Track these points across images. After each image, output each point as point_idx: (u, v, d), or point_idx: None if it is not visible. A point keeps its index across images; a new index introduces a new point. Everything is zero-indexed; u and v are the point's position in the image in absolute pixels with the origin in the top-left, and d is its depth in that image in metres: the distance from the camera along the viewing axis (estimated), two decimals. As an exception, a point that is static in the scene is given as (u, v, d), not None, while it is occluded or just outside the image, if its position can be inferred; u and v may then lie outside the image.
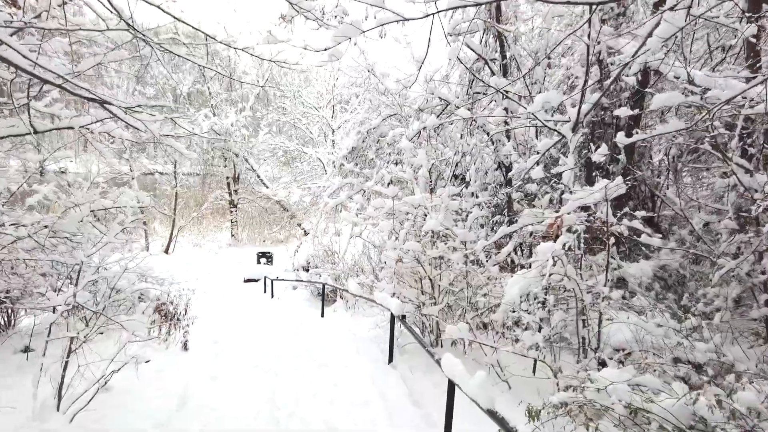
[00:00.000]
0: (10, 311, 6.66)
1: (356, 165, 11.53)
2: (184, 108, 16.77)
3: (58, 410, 3.21)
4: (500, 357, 4.35)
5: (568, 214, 3.91)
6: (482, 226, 7.53)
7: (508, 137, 6.84)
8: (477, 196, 6.85)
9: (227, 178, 19.48)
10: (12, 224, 5.42)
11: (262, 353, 5.48)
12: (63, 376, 3.24)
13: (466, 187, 7.11)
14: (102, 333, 5.86)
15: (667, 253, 5.69)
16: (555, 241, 3.72)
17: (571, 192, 4.21)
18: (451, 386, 2.93)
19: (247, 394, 4.11)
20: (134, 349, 5.06)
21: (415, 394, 4.07)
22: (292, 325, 7.25)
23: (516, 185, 6.88)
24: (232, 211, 19.99)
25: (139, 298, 7.72)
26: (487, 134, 7.13)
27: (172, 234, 17.31)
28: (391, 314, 4.78)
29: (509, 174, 7.06)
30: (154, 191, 19.13)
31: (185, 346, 5.90)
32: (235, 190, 19.61)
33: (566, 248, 3.70)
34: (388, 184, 7.42)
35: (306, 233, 20.83)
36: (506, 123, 6.39)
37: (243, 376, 4.56)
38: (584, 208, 4.36)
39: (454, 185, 7.42)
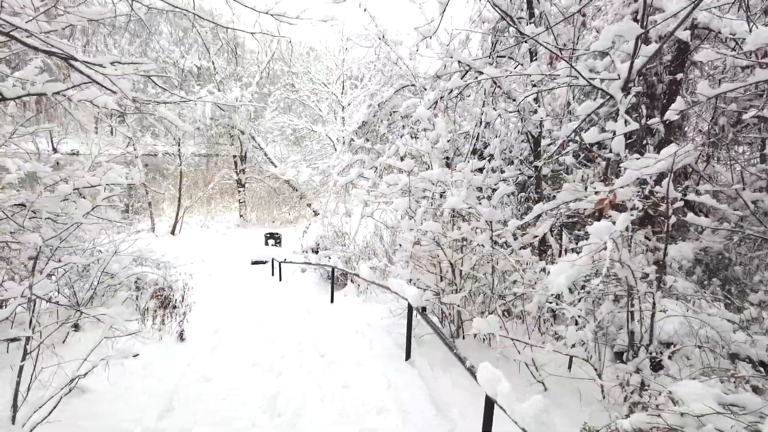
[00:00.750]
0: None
1: (367, 140, 10.85)
2: (189, 85, 16.15)
3: (13, 423, 2.69)
4: (534, 353, 3.77)
5: (624, 187, 3.25)
6: (505, 204, 6.87)
7: (537, 104, 6.12)
8: (502, 171, 6.17)
9: (234, 156, 18.90)
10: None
11: (265, 346, 4.95)
12: (18, 383, 2.72)
13: (489, 162, 6.43)
14: (76, 329, 5.38)
15: (708, 234, 5.01)
16: (600, 220, 3.10)
17: (620, 161, 3.55)
18: (489, 404, 2.33)
19: (245, 397, 3.58)
20: (122, 342, 4.57)
21: (438, 398, 3.50)
22: (299, 312, 6.73)
23: (545, 158, 6.19)
24: (239, 191, 19.48)
25: (135, 283, 7.25)
26: (514, 101, 6.41)
27: (177, 215, 16.88)
28: (408, 305, 4.19)
29: (538, 147, 6.37)
30: (161, 172, 18.70)
31: (181, 337, 5.41)
32: (243, 170, 19.05)
33: (628, 229, 3.06)
34: (402, 158, 6.77)
35: (316, 213, 20.31)
36: (534, 85, 5.67)
37: (241, 376, 4.04)
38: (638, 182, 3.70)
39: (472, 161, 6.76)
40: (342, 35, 22.58)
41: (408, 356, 4.23)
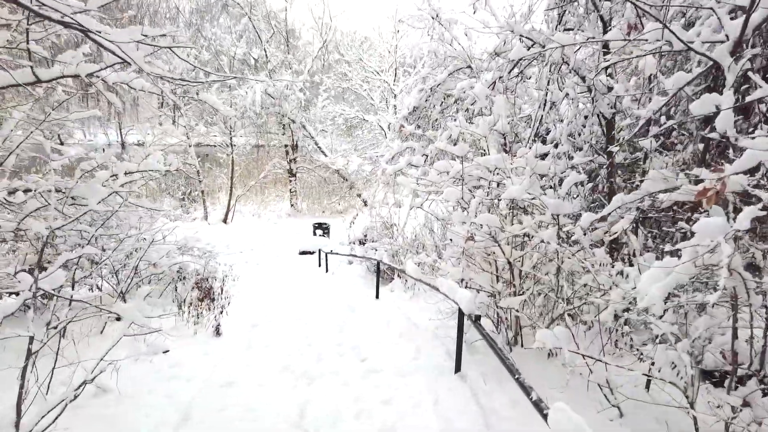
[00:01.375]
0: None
1: (418, 127, 10.33)
2: (241, 73, 16.25)
3: (17, 429, 2.46)
4: (609, 372, 3.16)
5: (738, 174, 2.58)
6: (571, 194, 6.17)
7: (613, 79, 5.37)
8: (570, 157, 5.47)
9: (285, 146, 18.94)
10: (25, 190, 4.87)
11: (301, 347, 4.62)
12: (22, 386, 2.48)
13: (555, 147, 5.74)
14: (119, 319, 5.24)
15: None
16: (693, 214, 2.45)
17: (729, 142, 2.86)
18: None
19: (271, 408, 3.22)
20: (154, 337, 4.37)
21: (494, 423, 2.98)
22: (342, 308, 6.38)
23: (622, 141, 5.43)
24: (290, 181, 19.52)
25: (178, 272, 7.17)
26: (583, 79, 5.67)
27: (229, 203, 17.11)
28: (459, 310, 3.68)
29: (611, 131, 5.60)
30: (217, 162, 19.04)
31: (217, 332, 5.18)
32: (294, 159, 19.05)
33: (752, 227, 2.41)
34: (455, 143, 6.22)
35: (366, 204, 20.04)
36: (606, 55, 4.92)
37: (270, 382, 3.68)
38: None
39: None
40: (395, 19, 22.02)
41: (458, 368, 3.74)
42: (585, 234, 4.41)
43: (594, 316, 4.28)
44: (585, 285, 4.07)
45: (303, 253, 12.41)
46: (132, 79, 5.08)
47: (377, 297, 7.11)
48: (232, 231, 15.82)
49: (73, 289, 6.22)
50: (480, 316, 3.30)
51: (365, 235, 10.92)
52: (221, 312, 5.73)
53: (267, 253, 12.80)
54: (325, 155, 19.10)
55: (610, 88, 5.35)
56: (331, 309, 6.35)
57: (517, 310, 4.31)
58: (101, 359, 3.03)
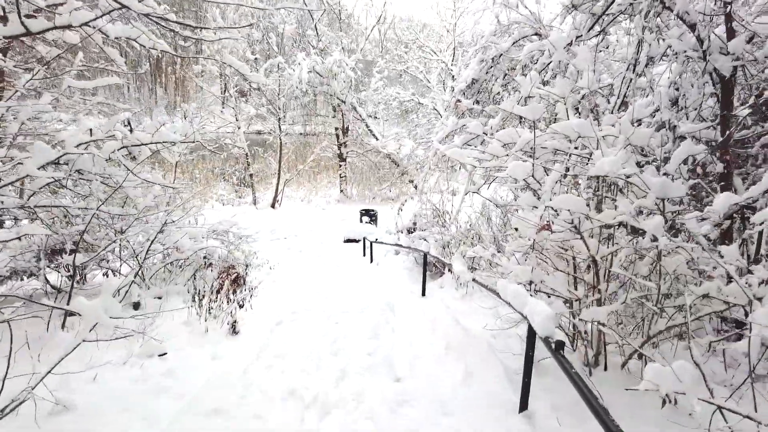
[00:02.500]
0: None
1: (477, 102, 9.23)
2: (290, 52, 15.71)
3: None
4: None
5: None
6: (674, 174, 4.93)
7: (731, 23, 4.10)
8: (673, 127, 4.27)
9: (336, 129, 18.28)
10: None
11: (323, 357, 3.82)
12: None
13: (652, 117, 4.55)
14: None
15: None
16: None
17: None
18: None
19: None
20: (155, 334, 3.71)
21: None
22: (381, 305, 5.53)
23: (748, 105, 4.16)
24: (340, 166, 18.88)
25: (205, 258, 6.59)
26: (692, 28, 4.40)
27: (277, 188, 16.72)
28: (530, 328, 2.69)
29: (730, 94, 4.32)
30: (270, 146, 18.71)
31: (234, 329, 4.48)
32: (344, 143, 18.36)
33: None
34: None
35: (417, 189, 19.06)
36: None
37: (269, 413, 2.84)
38: None
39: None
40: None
41: (524, 405, 2.76)
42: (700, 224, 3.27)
43: (717, 340, 3.17)
44: (705, 297, 2.98)
45: (348, 241, 11.70)
46: (138, 36, 4.41)
47: (423, 294, 6.20)
48: (278, 216, 15.42)
49: (81, 275, 5.79)
50: (563, 343, 2.31)
51: (414, 223, 9.99)
52: (241, 306, 5.04)
53: (311, 239, 12.20)
54: (377, 139, 18.26)
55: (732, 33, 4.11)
56: (369, 307, 5.51)
57: (602, 324, 3.27)
58: (49, 372, 2.33)
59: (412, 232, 9.93)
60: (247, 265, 7.04)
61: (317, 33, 16.79)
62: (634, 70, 5.17)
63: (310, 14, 16.64)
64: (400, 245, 7.72)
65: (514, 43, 8.88)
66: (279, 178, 16.72)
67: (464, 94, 9.49)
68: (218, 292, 4.95)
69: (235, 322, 4.51)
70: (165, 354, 3.61)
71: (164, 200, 6.50)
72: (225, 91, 15.95)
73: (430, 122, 24.25)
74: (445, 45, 24.03)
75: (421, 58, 24.05)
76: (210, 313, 4.63)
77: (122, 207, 5.83)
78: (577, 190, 3.86)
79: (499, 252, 6.28)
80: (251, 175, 16.82)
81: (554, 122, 4.44)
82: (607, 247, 3.47)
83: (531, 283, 3.40)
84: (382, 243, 9.02)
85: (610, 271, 3.47)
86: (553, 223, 3.01)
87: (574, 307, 3.57)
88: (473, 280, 3.96)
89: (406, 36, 24.81)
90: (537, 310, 2.42)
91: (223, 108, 14.63)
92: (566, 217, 3.22)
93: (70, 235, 4.99)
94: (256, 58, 15.92)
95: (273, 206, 16.80)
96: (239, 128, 16.09)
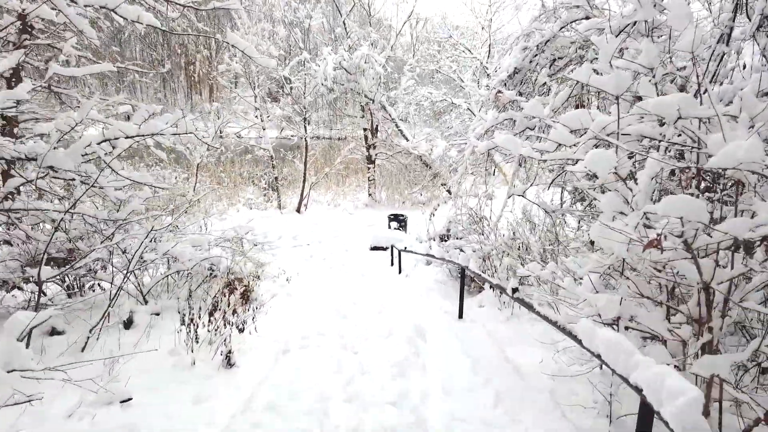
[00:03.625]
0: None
1: (520, 94, 8.25)
2: (316, 48, 15.03)
3: None
4: None
5: None
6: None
7: None
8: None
9: (364, 130, 17.49)
10: None
11: (334, 407, 2.94)
12: None
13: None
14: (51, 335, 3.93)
15: None
16: None
17: None
18: None
19: None
20: (123, 370, 2.94)
21: None
22: (408, 331, 4.64)
23: None
24: (369, 168, 18.08)
25: (210, 270, 5.86)
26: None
27: (303, 192, 16.05)
28: (643, 404, 1.74)
29: None
30: (297, 150, 18.11)
31: (228, 361, 3.68)
32: (373, 144, 17.55)
33: None
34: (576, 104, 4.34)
35: (450, 194, 18.07)
36: None
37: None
38: None
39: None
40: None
41: None
42: None
43: None
44: None
45: (375, 248, 10.85)
46: (117, 4, 3.70)
47: (460, 316, 5.27)
48: (303, 221, 14.75)
49: (78, 287, 5.13)
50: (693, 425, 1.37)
51: (448, 230, 9.05)
52: (241, 330, 4.25)
53: (336, 246, 11.41)
54: (407, 140, 17.37)
55: None
56: (395, 332, 4.62)
57: (720, 378, 2.30)
58: None
59: (445, 240, 9.01)
60: (258, 277, 6.28)
61: (346, 29, 16.11)
62: (727, 40, 4.17)
63: (338, 9, 16.00)
64: (433, 256, 6.82)
65: (562, 27, 7.88)
66: (304, 181, 16.06)
67: (505, 85, 8.52)
68: (212, 313, 4.16)
69: (230, 352, 3.71)
70: (129, 399, 2.83)
71: (169, 203, 5.76)
72: (253, 89, 15.42)
73: (464, 123, 23.27)
74: (479, 42, 23.02)
75: (454, 57, 23.12)
76: (197, 341, 3.84)
77: (117, 211, 5.14)
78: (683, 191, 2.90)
79: (545, 261, 5.31)
80: (276, 179, 16.23)
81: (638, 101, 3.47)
82: (724, 270, 2.48)
83: (619, 320, 2.45)
84: (412, 252, 8.12)
85: (727, 303, 2.50)
86: (663, 237, 2.06)
87: (674, 350, 2.61)
88: (540, 315, 3.01)
89: (438, 34, 23.93)
90: (668, 386, 1.47)
91: (247, 109, 14.06)
92: (672, 229, 2.26)
93: (52, 243, 4.32)
94: (281, 54, 15.33)
95: (298, 210, 16.14)
96: (264, 129, 15.53)
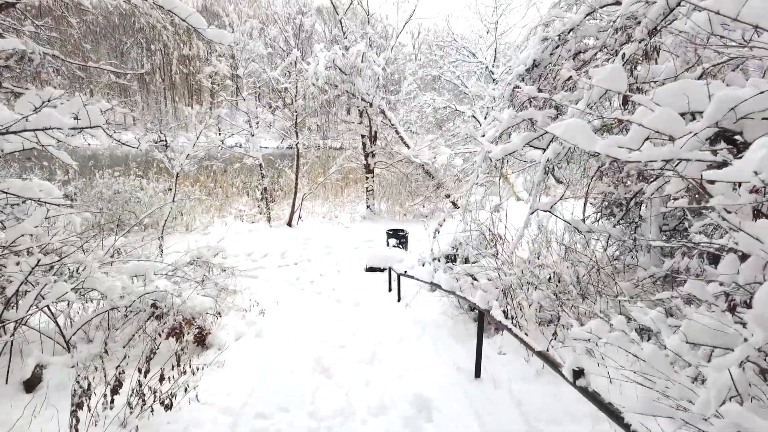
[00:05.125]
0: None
1: (540, 90, 7.08)
2: (309, 47, 13.96)
3: None
4: None
5: None
6: None
7: None
8: None
9: (362, 136, 16.34)
10: None
11: None
12: None
13: None
14: None
15: None
16: None
17: None
18: None
19: None
20: None
21: None
22: (408, 406, 3.37)
23: None
24: (367, 178, 16.89)
25: (152, 307, 4.63)
26: None
27: (294, 203, 14.84)
28: None
29: None
30: (289, 158, 16.98)
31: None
32: (372, 153, 16.40)
33: None
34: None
35: (456, 207, 16.84)
36: None
37: None
38: None
39: None
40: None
41: None
42: None
43: None
44: None
45: (371, 269, 9.60)
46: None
47: (477, 375, 4.01)
48: (294, 236, 13.53)
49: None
50: None
51: (455, 249, 7.84)
52: (168, 405, 3.03)
53: (327, 266, 10.18)
54: (408, 147, 16.20)
55: None
56: (389, 405, 3.39)
57: None
58: None
59: (452, 260, 7.80)
60: (219, 314, 5.05)
61: (343, 29, 15.05)
62: None
63: (334, 8, 14.95)
64: (439, 286, 5.60)
65: (588, 14, 6.79)
66: (296, 192, 14.86)
67: (522, 79, 7.37)
68: (144, 370, 2.93)
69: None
70: None
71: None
72: (237, 94, 14.31)
73: (469, 130, 22.21)
74: (485, 45, 22.02)
75: (458, 62, 22.13)
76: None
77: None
78: None
79: (581, 300, 4.13)
80: (265, 189, 15.04)
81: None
82: None
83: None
84: (414, 278, 6.89)
85: None
86: None
87: None
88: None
89: (441, 37, 22.97)
90: None
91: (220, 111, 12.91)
92: None
93: None
94: (270, 53, 14.21)
95: (290, 224, 14.93)
96: (252, 135, 14.39)
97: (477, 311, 4.33)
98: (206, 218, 15.39)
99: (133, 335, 4.35)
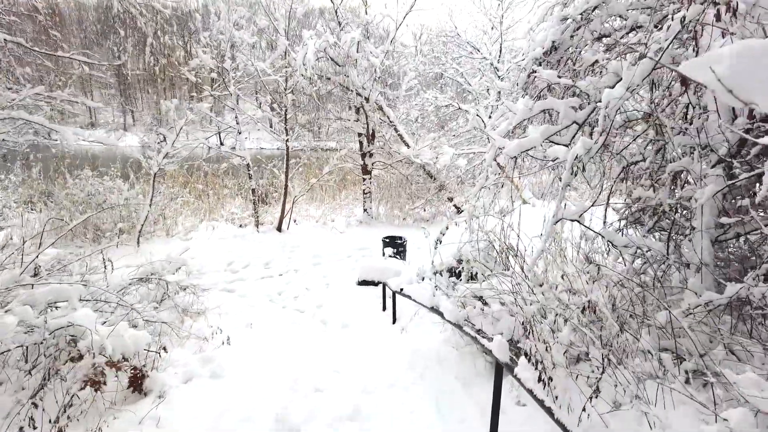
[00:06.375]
0: None
1: (560, 76, 6.11)
2: (299, 38, 12.98)
3: None
4: None
5: None
6: None
7: None
8: None
9: (359, 135, 15.35)
10: None
11: None
12: None
13: None
14: None
15: None
16: None
17: None
18: None
19: None
20: None
21: None
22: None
23: None
24: (364, 179, 15.89)
25: (70, 344, 3.64)
26: None
27: (284, 207, 13.84)
28: None
29: None
30: (280, 158, 15.98)
31: None
32: (369, 152, 15.41)
33: None
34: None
35: (459, 211, 15.84)
36: None
37: None
38: None
39: None
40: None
41: None
42: None
43: None
44: None
45: (363, 282, 8.60)
46: None
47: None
48: (282, 242, 12.54)
49: None
50: None
51: (459, 261, 6.84)
52: None
53: (315, 278, 9.18)
54: (408, 146, 15.21)
55: None
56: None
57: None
58: None
59: (456, 275, 6.82)
60: (164, 349, 4.06)
61: (338, 20, 14.08)
62: None
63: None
64: (441, 314, 4.62)
65: (614, -9, 5.89)
66: (285, 194, 13.87)
67: (539, 64, 6.40)
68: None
69: None
70: None
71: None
72: (224, 88, 13.33)
73: (471, 131, 21.30)
74: (489, 41, 21.05)
75: (461, 58, 21.23)
76: None
77: None
78: None
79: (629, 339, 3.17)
80: (253, 191, 14.06)
81: None
82: None
83: None
84: (411, 299, 5.90)
85: None
86: None
87: None
88: None
89: (444, 31, 22.04)
90: None
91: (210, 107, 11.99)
92: None
93: None
94: (255, 42, 13.25)
95: (279, 229, 13.94)
96: (239, 133, 13.41)
97: (491, 354, 3.34)
98: (191, 222, 14.39)
99: (43, 385, 3.37)
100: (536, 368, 3.38)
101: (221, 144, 14.18)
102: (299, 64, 10.82)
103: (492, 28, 21.54)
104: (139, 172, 14.57)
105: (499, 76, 20.14)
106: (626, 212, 5.51)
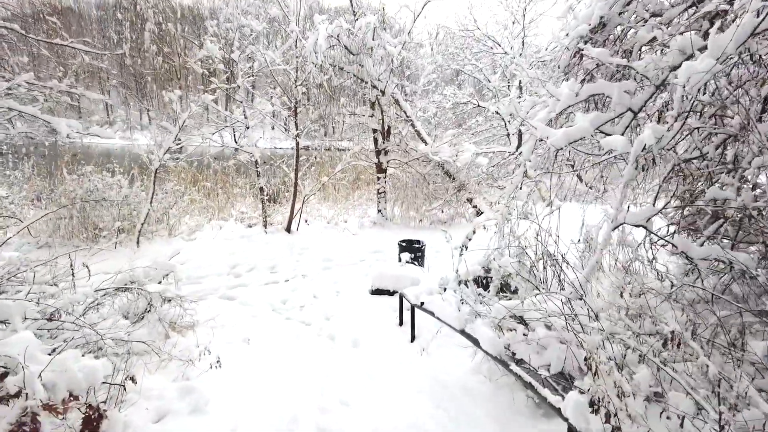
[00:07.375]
0: None
1: (611, 54, 5.30)
2: (311, 26, 12.29)
3: None
4: None
5: None
6: None
7: None
8: None
9: (374, 131, 14.60)
10: None
11: None
12: None
13: None
14: None
15: None
16: None
17: None
18: None
19: None
20: None
21: None
22: None
23: None
24: (379, 178, 15.13)
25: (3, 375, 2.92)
26: None
27: (293, 207, 13.14)
28: None
29: None
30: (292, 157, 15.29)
31: None
32: (384, 150, 14.64)
33: None
34: None
35: (479, 213, 15.00)
36: None
37: None
38: None
39: None
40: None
41: None
42: None
43: None
44: None
45: (377, 291, 7.83)
46: None
47: None
48: (291, 244, 11.84)
49: None
50: None
51: (488, 270, 6.04)
52: None
53: (325, 284, 8.44)
54: (425, 143, 14.42)
55: None
56: None
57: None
58: None
59: (482, 285, 6.05)
60: (132, 379, 3.33)
61: (353, 7, 13.37)
62: None
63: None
64: (476, 342, 3.83)
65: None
66: (295, 193, 13.17)
67: (586, 40, 5.59)
68: None
69: None
70: None
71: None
72: (233, 80, 12.68)
73: (491, 129, 20.45)
74: (510, 36, 20.13)
75: (481, 53, 20.37)
76: None
77: None
78: None
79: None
80: (261, 189, 13.39)
81: None
82: None
83: None
84: (433, 315, 5.12)
85: None
86: None
87: None
88: None
89: (463, 23, 21.18)
90: None
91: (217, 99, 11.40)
92: None
93: None
94: (267, 33, 12.63)
95: (288, 230, 13.23)
96: (247, 128, 12.74)
97: (538, 394, 2.55)
98: (197, 221, 13.76)
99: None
100: (606, 421, 2.58)
101: (235, 141, 13.55)
102: (310, 51, 10.09)
103: (513, 23, 20.64)
104: (146, 170, 14.03)
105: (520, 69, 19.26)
106: (678, 216, 4.68)
